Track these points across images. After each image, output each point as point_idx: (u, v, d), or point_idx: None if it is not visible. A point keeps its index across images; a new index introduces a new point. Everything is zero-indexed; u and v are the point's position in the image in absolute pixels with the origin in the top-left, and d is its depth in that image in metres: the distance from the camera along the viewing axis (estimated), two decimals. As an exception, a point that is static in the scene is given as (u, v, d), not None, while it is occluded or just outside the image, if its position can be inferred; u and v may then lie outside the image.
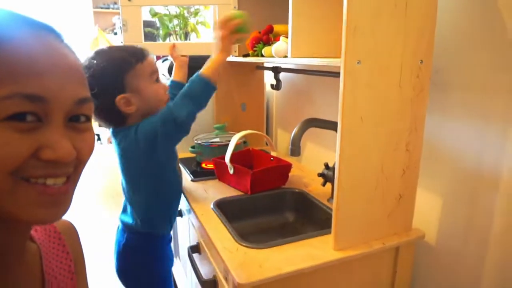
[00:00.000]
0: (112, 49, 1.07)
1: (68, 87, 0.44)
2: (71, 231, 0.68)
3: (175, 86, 1.36)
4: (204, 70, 1.08)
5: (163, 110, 1.04)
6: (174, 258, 1.79)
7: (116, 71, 1.00)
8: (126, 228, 1.16)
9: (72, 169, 0.46)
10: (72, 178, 0.47)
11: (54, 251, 0.62)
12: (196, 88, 1.06)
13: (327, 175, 1.23)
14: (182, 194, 1.27)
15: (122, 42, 3.47)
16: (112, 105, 1.01)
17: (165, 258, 1.22)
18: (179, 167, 1.28)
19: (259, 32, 1.34)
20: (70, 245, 0.65)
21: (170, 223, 1.22)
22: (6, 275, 0.49)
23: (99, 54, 1.03)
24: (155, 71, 1.08)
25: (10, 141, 0.40)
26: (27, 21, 0.45)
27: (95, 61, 1.00)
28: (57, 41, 0.46)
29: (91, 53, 1.04)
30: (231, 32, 1.06)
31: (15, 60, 0.40)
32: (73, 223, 0.71)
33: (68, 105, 0.44)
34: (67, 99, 0.44)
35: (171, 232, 1.29)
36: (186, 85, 1.08)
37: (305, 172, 1.50)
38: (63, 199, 0.46)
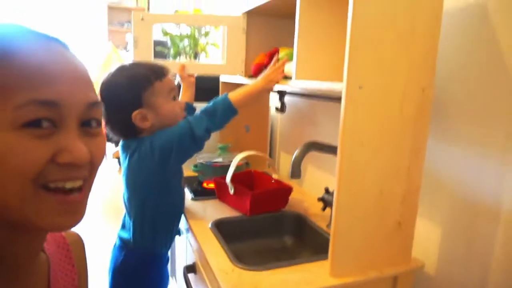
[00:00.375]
0: (133, 65, 1.09)
1: (79, 91, 0.47)
2: (79, 243, 0.69)
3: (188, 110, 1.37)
4: (233, 93, 1.10)
5: (182, 124, 1.06)
6: (170, 278, 1.77)
7: (135, 87, 1.03)
8: (124, 245, 1.15)
9: (87, 173, 0.48)
10: (87, 183, 0.49)
11: (61, 263, 0.62)
12: (219, 108, 1.07)
13: (327, 200, 1.22)
14: (182, 214, 1.27)
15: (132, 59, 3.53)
16: (128, 119, 1.03)
17: (161, 279, 1.21)
18: (184, 185, 1.28)
19: (265, 54, 1.36)
20: (76, 257, 0.66)
21: (170, 242, 1.21)
22: (16, 284, 0.50)
23: (120, 70, 1.06)
24: (173, 89, 1.10)
25: (29, 148, 0.42)
26: (36, 34, 0.48)
27: (117, 76, 1.03)
28: (65, 51, 0.49)
29: (113, 69, 1.07)
30: (281, 76, 1.10)
31: (29, 69, 0.43)
32: (81, 236, 0.71)
33: (80, 109, 0.46)
34: (79, 103, 0.46)
35: (169, 252, 1.28)
36: (211, 103, 1.10)
37: (305, 196, 1.49)
38: (80, 207, 0.49)
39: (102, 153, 0.51)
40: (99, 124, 0.51)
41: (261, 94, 1.15)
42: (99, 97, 0.50)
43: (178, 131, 1.05)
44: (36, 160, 0.43)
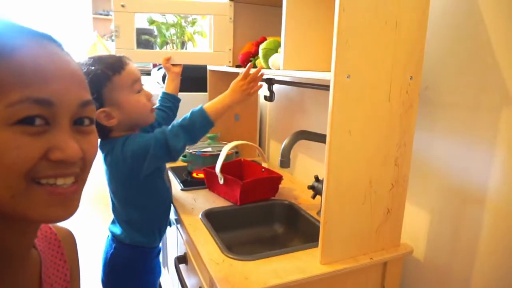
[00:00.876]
0: (89, 61, 1.02)
1: (73, 90, 0.47)
2: (70, 239, 0.69)
3: (167, 98, 1.35)
4: (210, 106, 1.06)
5: (158, 135, 1.02)
6: (163, 268, 1.78)
7: (92, 86, 0.97)
8: (115, 238, 1.14)
9: (79, 170, 0.49)
10: (80, 179, 0.50)
11: (53, 259, 0.63)
12: (196, 123, 1.03)
13: (317, 188, 1.22)
14: (172, 205, 1.26)
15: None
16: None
17: (153, 271, 1.20)
18: (168, 177, 1.27)
19: (253, 43, 1.35)
20: (68, 253, 0.66)
21: (160, 235, 1.21)
22: (7, 279, 0.51)
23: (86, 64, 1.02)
24: (136, 80, 1.04)
25: (22, 145, 0.43)
26: (31, 32, 0.48)
27: None
28: (59, 49, 0.49)
29: None
30: (258, 87, 1.07)
31: (24, 67, 0.43)
32: (72, 231, 0.71)
33: (73, 107, 0.47)
34: (72, 102, 0.47)
35: (160, 244, 1.28)
36: (188, 115, 1.05)
37: (296, 184, 1.50)
38: (72, 198, 0.49)
39: (95, 151, 0.52)
40: (92, 122, 0.51)
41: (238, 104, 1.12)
42: (90, 97, 0.51)
43: (154, 142, 1.01)
44: (28, 156, 0.43)
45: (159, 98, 1.36)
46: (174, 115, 1.38)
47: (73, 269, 0.67)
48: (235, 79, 1.08)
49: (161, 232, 1.21)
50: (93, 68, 0.98)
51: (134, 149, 1.01)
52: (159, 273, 1.26)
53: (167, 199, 1.21)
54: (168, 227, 1.47)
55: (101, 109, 0.99)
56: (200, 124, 1.03)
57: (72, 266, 0.67)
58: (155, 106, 1.33)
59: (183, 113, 1.36)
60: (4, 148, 0.42)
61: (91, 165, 0.51)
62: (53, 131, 0.45)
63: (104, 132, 1.04)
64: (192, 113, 1.05)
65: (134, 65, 1.06)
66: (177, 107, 1.38)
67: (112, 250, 1.13)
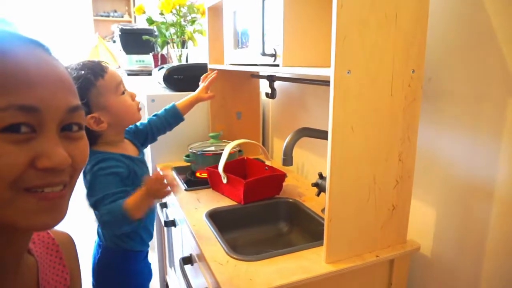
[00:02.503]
0: (71, 68, 1.00)
1: (60, 96, 0.46)
2: (69, 243, 0.69)
3: (173, 113, 1.35)
4: (129, 201, 0.94)
5: (98, 195, 0.96)
6: (169, 269, 1.78)
7: (78, 93, 0.93)
8: (101, 242, 1.14)
9: (68, 178, 0.48)
10: (68, 186, 0.48)
11: (51, 264, 0.62)
12: (117, 217, 0.94)
13: (321, 185, 1.21)
14: (154, 211, 1.25)
15: (120, 50, 3.46)
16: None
17: (140, 274, 1.20)
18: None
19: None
20: (67, 257, 0.66)
21: (144, 239, 1.19)
22: (2, 286, 0.50)
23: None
24: (119, 83, 1.06)
25: (7, 153, 0.41)
26: (17, 37, 0.47)
27: None
28: (46, 54, 0.48)
29: None
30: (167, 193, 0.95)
31: (9, 73, 0.42)
32: (71, 235, 0.70)
33: (61, 114, 0.46)
34: (60, 108, 0.45)
35: (149, 249, 1.26)
36: (111, 206, 0.96)
37: (300, 182, 1.49)
38: (61, 204, 0.48)
39: (84, 157, 0.50)
40: (81, 127, 0.50)
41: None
42: (79, 102, 0.49)
43: (91, 199, 0.97)
44: (14, 165, 0.42)
45: (167, 106, 1.36)
46: (169, 130, 1.37)
47: (73, 272, 0.67)
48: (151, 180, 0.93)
49: (143, 236, 1.18)
50: (75, 75, 0.98)
51: (87, 186, 1.00)
52: (148, 276, 1.25)
53: None
54: (173, 227, 1.47)
55: (89, 116, 1.00)
56: (120, 217, 0.94)
57: (72, 270, 0.67)
58: (158, 113, 1.34)
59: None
60: None
61: (80, 172, 0.50)
62: (39, 139, 0.44)
63: (93, 137, 1.04)
64: (113, 213, 0.95)
65: (113, 68, 1.07)
66: (174, 125, 1.37)
67: (98, 255, 1.13)
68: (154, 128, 1.30)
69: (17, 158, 0.42)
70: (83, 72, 0.99)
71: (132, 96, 1.10)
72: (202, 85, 1.45)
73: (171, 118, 1.33)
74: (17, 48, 0.45)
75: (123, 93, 1.07)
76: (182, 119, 1.37)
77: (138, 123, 1.27)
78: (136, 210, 0.93)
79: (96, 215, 1.00)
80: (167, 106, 1.36)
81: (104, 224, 1.02)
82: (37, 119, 0.43)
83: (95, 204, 0.98)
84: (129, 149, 1.17)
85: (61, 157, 0.45)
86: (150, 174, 1.20)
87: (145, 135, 1.28)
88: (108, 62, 1.07)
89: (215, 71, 1.48)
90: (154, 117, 1.33)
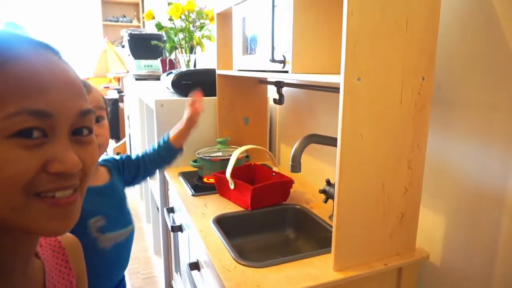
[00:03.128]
0: None
1: (71, 100, 0.46)
2: (76, 246, 0.69)
3: (164, 145, 1.23)
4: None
5: None
6: (175, 274, 1.77)
7: None
8: None
9: (78, 182, 0.48)
10: (78, 190, 0.49)
11: (57, 267, 0.63)
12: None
13: (329, 192, 1.21)
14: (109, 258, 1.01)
15: (129, 55, 3.47)
16: None
17: None
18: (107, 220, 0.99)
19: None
20: (73, 261, 0.66)
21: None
22: None
23: None
24: (97, 108, 0.93)
25: (19, 158, 0.42)
26: (28, 41, 0.47)
27: None
28: (56, 58, 0.48)
29: None
30: None
31: (21, 78, 0.42)
32: (77, 239, 0.71)
33: (72, 118, 0.46)
34: (71, 112, 0.46)
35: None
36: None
37: (307, 188, 1.48)
38: (72, 210, 0.48)
39: (94, 161, 0.51)
40: (91, 131, 0.50)
41: None
42: (90, 105, 0.50)
43: None
44: (26, 170, 0.42)
45: (161, 139, 1.24)
46: (166, 164, 1.26)
47: (79, 276, 0.67)
48: None
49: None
50: None
51: None
52: None
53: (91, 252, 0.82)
54: (179, 232, 1.47)
55: None
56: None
57: (78, 273, 0.67)
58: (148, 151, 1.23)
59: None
60: (1, 162, 0.41)
61: (89, 176, 0.51)
62: (51, 143, 0.44)
63: None
64: None
65: (97, 91, 0.99)
66: (170, 159, 1.24)
67: None
68: (146, 160, 1.19)
69: (30, 163, 0.42)
70: None
71: (103, 135, 0.96)
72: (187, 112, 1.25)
73: (163, 151, 1.22)
74: (28, 52, 0.45)
75: (97, 121, 0.95)
76: (176, 151, 1.23)
77: (132, 154, 1.20)
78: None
79: None
80: (162, 138, 1.25)
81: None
82: (49, 123, 0.44)
83: None
84: (95, 177, 1.02)
85: (73, 161, 0.45)
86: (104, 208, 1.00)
87: (136, 167, 1.17)
88: (89, 84, 0.97)
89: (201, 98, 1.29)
90: (150, 149, 1.23)
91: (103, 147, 0.98)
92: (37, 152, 0.43)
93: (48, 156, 0.44)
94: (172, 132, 1.24)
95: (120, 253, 1.04)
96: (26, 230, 0.44)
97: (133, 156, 1.20)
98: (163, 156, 1.22)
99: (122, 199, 1.08)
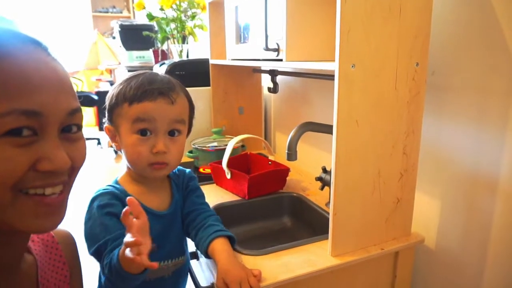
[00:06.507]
0: (135, 76, 0.87)
1: (61, 99, 0.46)
2: (69, 240, 0.69)
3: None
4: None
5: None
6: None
7: (113, 99, 0.85)
8: None
9: (67, 177, 0.48)
10: (67, 185, 0.49)
11: (51, 261, 0.63)
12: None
13: (325, 179, 1.21)
14: None
15: (120, 46, 3.45)
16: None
17: None
18: None
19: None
20: (67, 254, 0.66)
21: None
22: (1, 285, 0.51)
23: (128, 77, 0.87)
24: (138, 120, 0.81)
25: (9, 156, 0.42)
26: (17, 37, 0.46)
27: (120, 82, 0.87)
28: (45, 55, 0.48)
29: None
30: None
31: (10, 77, 0.42)
32: (71, 232, 0.71)
33: (61, 117, 0.46)
34: (60, 111, 0.46)
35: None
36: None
37: (303, 176, 1.49)
38: (59, 208, 0.48)
39: (83, 157, 0.51)
40: (80, 128, 0.51)
41: None
42: (78, 103, 0.50)
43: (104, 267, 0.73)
44: (16, 168, 0.43)
45: None
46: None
47: (73, 270, 0.67)
48: None
49: None
50: (124, 83, 0.85)
51: (85, 231, 0.80)
52: None
53: None
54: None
55: (109, 125, 0.87)
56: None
57: (73, 267, 0.67)
58: None
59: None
60: None
61: (78, 171, 0.51)
62: (41, 141, 0.44)
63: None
64: None
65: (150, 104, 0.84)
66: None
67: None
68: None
69: (20, 161, 0.43)
70: (131, 85, 0.83)
71: (154, 149, 0.82)
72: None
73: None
74: (18, 50, 0.44)
75: (143, 134, 0.82)
76: None
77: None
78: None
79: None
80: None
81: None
82: (39, 122, 0.44)
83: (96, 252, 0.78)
84: (156, 198, 0.91)
85: (62, 160, 0.45)
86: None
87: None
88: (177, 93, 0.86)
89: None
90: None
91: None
92: (28, 150, 0.43)
93: (38, 155, 0.44)
94: None
95: None
96: (13, 227, 0.44)
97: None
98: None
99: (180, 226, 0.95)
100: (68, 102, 0.47)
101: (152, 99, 0.81)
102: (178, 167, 0.98)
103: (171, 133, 0.85)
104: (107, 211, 0.80)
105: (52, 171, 0.45)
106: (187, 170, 1.02)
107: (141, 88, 0.81)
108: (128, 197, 0.66)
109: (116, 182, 0.89)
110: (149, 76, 0.85)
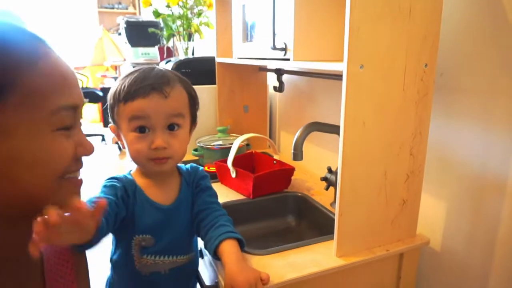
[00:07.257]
0: (133, 73, 0.85)
1: (81, 93, 0.54)
2: None
3: None
4: None
5: None
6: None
7: (114, 97, 0.84)
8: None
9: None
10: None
11: (56, 254, 0.64)
12: None
13: (330, 179, 1.21)
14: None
15: (126, 43, 3.44)
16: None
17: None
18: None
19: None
20: (72, 249, 0.66)
21: None
22: (9, 276, 0.53)
23: (125, 75, 0.86)
24: (134, 118, 0.80)
25: (65, 148, 0.50)
26: (39, 39, 0.52)
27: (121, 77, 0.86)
28: (53, 51, 0.54)
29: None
30: None
31: (54, 75, 0.49)
32: None
33: (82, 107, 0.55)
34: (82, 104, 0.54)
35: None
36: None
37: (308, 176, 1.49)
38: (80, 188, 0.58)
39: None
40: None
41: None
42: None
43: None
44: (68, 158, 0.51)
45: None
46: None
47: (79, 264, 0.68)
48: None
49: None
50: (122, 81, 0.84)
51: None
52: None
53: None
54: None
55: (114, 125, 0.88)
56: None
57: (78, 261, 0.68)
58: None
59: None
60: (50, 153, 0.48)
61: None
62: (74, 131, 0.52)
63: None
64: None
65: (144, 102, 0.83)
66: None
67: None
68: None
69: (70, 151, 0.51)
70: (127, 83, 0.81)
71: (153, 145, 0.81)
72: None
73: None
74: (47, 49, 0.50)
75: (140, 131, 0.82)
76: None
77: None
78: None
79: None
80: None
81: None
82: (75, 115, 0.52)
83: None
84: (161, 192, 0.91)
85: (92, 146, 0.55)
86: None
87: None
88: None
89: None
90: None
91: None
92: (71, 140, 0.51)
93: (76, 143, 0.52)
94: None
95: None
96: (59, 206, 0.47)
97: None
98: None
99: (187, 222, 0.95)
100: (80, 94, 0.54)
101: (144, 96, 0.80)
102: (192, 164, 1.00)
103: (171, 127, 0.84)
104: (110, 184, 0.84)
105: (86, 156, 0.54)
106: (200, 167, 1.02)
107: (134, 86, 0.81)
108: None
109: (129, 173, 0.92)
110: (143, 73, 0.84)
